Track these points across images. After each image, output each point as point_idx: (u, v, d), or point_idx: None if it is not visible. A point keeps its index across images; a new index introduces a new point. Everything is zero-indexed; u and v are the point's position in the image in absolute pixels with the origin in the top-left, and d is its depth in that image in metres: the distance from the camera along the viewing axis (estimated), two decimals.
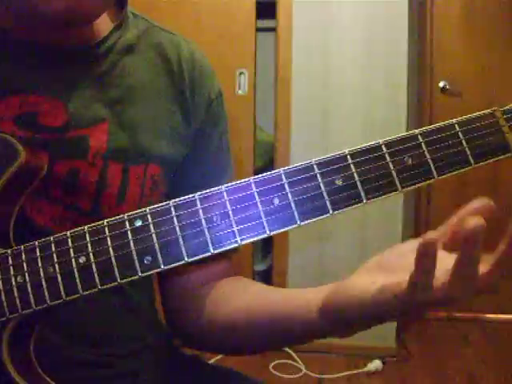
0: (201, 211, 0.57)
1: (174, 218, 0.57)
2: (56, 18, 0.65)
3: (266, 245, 2.99)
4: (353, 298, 0.59)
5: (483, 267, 0.54)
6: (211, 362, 2.31)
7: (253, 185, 0.57)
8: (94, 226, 0.60)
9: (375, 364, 2.62)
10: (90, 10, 0.67)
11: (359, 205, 0.56)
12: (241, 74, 2.75)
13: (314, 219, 0.56)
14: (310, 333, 0.69)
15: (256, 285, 0.85)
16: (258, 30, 2.79)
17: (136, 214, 0.58)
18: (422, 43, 3.27)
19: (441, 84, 3.24)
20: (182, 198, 0.58)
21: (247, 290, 0.83)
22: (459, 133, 0.56)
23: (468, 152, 0.56)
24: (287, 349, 2.76)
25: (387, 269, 0.60)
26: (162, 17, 2.59)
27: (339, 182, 0.56)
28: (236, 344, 0.82)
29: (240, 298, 0.81)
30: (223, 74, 2.65)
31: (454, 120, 0.57)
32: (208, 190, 0.57)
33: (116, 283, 0.58)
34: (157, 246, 0.57)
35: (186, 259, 0.57)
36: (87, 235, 0.59)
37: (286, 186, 0.56)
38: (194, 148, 0.85)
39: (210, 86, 0.87)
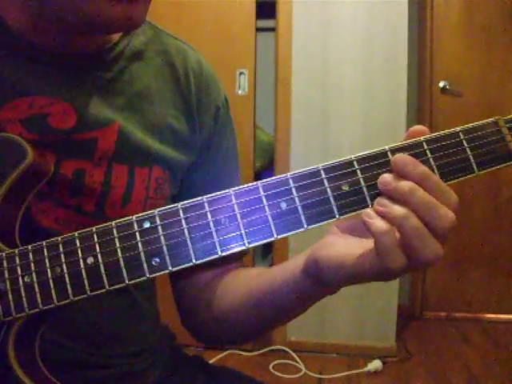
0: (209, 214, 0.57)
1: (183, 220, 0.57)
2: (109, 27, 0.66)
3: (267, 244, 2.99)
4: (332, 260, 0.60)
5: None
6: (212, 361, 2.32)
7: (260, 189, 0.57)
8: (102, 227, 0.60)
9: (375, 364, 2.63)
10: (141, 19, 0.68)
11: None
12: (241, 74, 2.75)
13: (320, 223, 0.56)
14: (300, 297, 0.69)
15: (255, 269, 0.86)
16: (258, 30, 2.79)
17: (144, 215, 0.59)
18: (422, 43, 3.27)
19: (441, 84, 3.25)
20: (190, 200, 0.58)
21: (247, 275, 0.84)
22: (463, 141, 0.57)
23: (472, 160, 0.57)
24: (287, 349, 2.77)
25: (359, 233, 0.62)
26: (163, 17, 2.60)
27: (346, 188, 0.56)
28: (242, 328, 0.82)
29: (239, 282, 0.82)
30: (223, 74, 2.64)
31: (458, 128, 0.58)
32: (216, 193, 0.58)
33: (124, 284, 0.58)
34: (165, 247, 0.57)
35: (193, 261, 0.57)
36: (95, 236, 0.60)
37: (294, 190, 0.57)
38: (203, 155, 0.86)
39: (216, 95, 0.88)
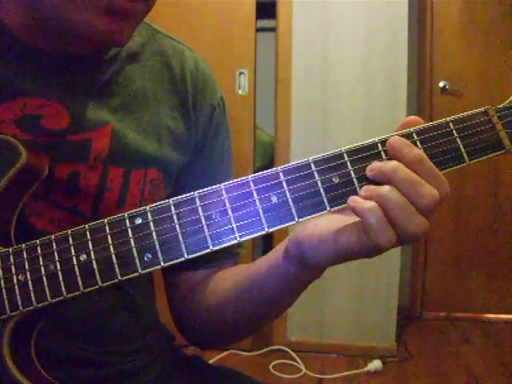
0: (200, 209, 0.57)
1: (174, 216, 0.58)
2: (94, 39, 0.66)
3: (267, 242, 2.99)
4: (313, 237, 0.60)
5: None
6: (211, 361, 2.32)
7: (251, 183, 0.57)
8: (94, 224, 0.60)
9: (375, 364, 2.63)
10: (127, 36, 0.68)
11: None
12: (241, 74, 2.75)
13: (311, 216, 0.57)
14: (285, 282, 0.68)
15: (243, 264, 0.85)
16: (258, 30, 2.79)
17: (136, 212, 0.59)
18: (422, 43, 3.28)
19: (441, 84, 3.25)
20: (181, 196, 0.58)
21: (236, 269, 0.84)
22: (453, 130, 0.57)
23: (462, 149, 0.57)
24: (287, 349, 2.77)
25: (346, 211, 0.61)
26: (163, 17, 2.60)
27: (336, 180, 0.57)
28: (233, 323, 0.81)
29: (228, 277, 0.82)
30: (223, 74, 2.66)
31: (449, 118, 0.58)
32: (207, 188, 0.58)
33: (116, 280, 0.59)
34: (157, 243, 0.58)
35: (185, 256, 0.57)
36: (88, 233, 0.60)
37: (284, 183, 0.57)
38: (197, 154, 0.86)
39: (212, 95, 0.88)
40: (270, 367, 2.63)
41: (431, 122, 0.57)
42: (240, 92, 2.75)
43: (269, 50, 3.00)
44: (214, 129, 0.88)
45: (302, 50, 2.73)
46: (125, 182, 0.76)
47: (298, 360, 2.69)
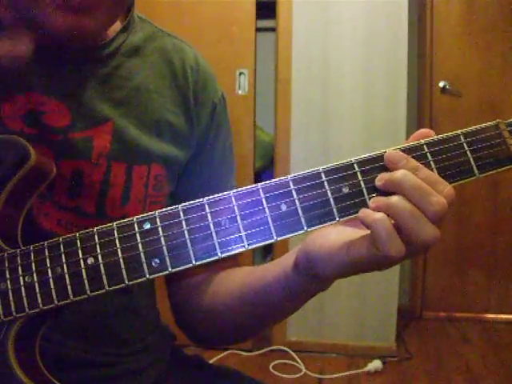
0: (209, 215, 0.57)
1: (183, 222, 0.58)
2: (58, 36, 0.66)
3: (267, 246, 2.99)
4: (323, 249, 0.60)
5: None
6: (212, 361, 2.31)
7: (261, 191, 0.57)
8: (102, 228, 0.60)
9: (375, 364, 2.62)
10: (92, 30, 0.67)
11: None
12: (241, 74, 2.75)
13: (320, 225, 0.57)
14: (291, 293, 0.68)
15: (249, 267, 0.85)
16: (258, 30, 2.79)
17: (145, 216, 0.59)
18: (422, 43, 3.28)
19: (441, 84, 3.25)
20: (190, 202, 0.58)
21: (240, 272, 0.83)
22: (464, 144, 0.58)
23: (473, 163, 0.57)
24: (287, 349, 2.77)
25: (355, 223, 0.61)
26: (163, 17, 2.60)
27: (346, 190, 0.57)
28: (235, 326, 0.82)
29: (233, 280, 0.82)
30: (223, 74, 2.66)
31: (459, 131, 0.58)
32: (217, 195, 0.58)
33: (124, 285, 0.58)
34: (165, 248, 0.58)
35: (193, 262, 0.57)
36: (96, 236, 0.60)
37: (294, 192, 0.57)
38: (198, 151, 0.86)
39: (213, 92, 0.88)
40: (270, 367, 2.63)
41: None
42: (240, 92, 2.76)
43: (269, 49, 3.00)
44: (216, 125, 0.88)
45: (302, 50, 2.73)
46: (128, 178, 0.76)
47: (298, 360, 2.69)
